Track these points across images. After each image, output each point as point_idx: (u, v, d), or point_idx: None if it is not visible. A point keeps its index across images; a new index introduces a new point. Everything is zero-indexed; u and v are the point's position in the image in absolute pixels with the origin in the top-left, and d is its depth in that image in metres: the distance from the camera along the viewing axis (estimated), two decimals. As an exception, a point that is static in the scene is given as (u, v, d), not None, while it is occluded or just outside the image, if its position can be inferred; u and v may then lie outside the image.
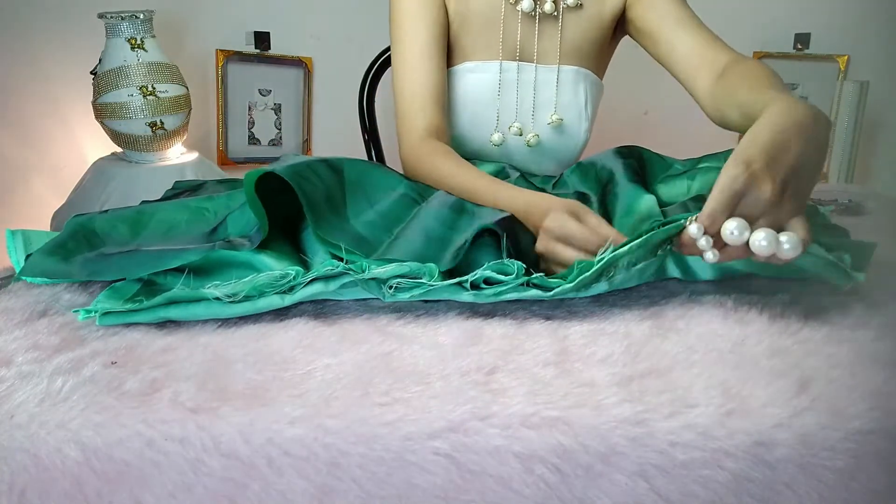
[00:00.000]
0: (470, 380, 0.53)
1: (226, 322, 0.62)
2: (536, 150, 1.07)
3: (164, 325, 0.62)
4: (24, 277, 0.70)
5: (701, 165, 0.94)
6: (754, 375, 0.53)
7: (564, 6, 1.03)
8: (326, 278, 0.63)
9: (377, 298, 0.67)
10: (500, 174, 0.93)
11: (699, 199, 0.84)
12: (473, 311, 0.64)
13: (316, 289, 0.62)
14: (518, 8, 1.02)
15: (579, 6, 1.03)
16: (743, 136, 0.63)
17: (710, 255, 0.60)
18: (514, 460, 0.47)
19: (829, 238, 0.71)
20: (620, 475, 0.47)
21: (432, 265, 0.63)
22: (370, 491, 0.48)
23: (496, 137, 1.05)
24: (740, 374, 0.54)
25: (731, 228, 0.58)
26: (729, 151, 0.94)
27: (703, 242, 0.60)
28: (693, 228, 0.59)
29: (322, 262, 0.64)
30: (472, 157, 1.08)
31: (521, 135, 1.05)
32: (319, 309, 0.65)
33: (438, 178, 0.88)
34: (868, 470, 0.48)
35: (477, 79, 1.04)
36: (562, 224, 0.68)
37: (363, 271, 0.62)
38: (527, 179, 0.96)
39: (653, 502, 0.48)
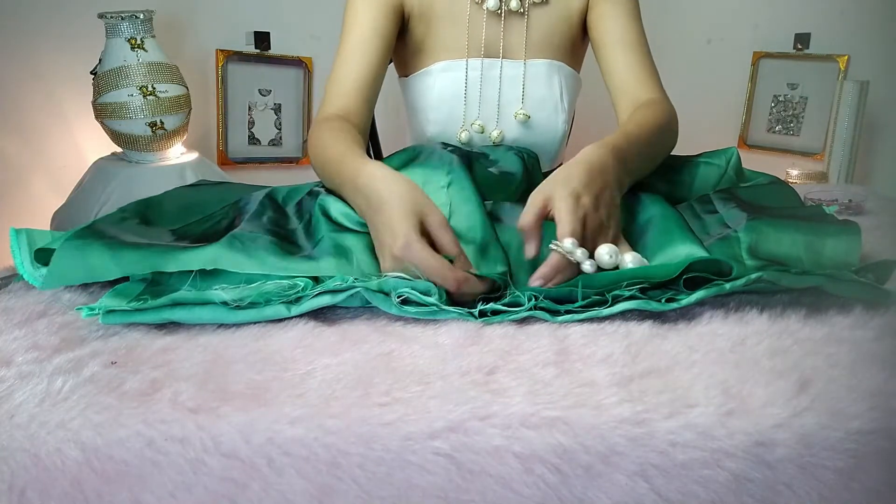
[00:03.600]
0: (470, 380, 0.53)
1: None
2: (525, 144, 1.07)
3: (164, 325, 0.62)
4: (24, 274, 0.70)
5: (700, 160, 0.94)
6: (754, 375, 0.53)
7: (531, 2, 1.03)
8: (334, 291, 0.63)
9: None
10: None
11: (704, 201, 0.84)
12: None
13: (323, 300, 0.63)
14: (484, 7, 1.03)
15: (545, 2, 1.04)
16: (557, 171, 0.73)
17: (588, 265, 0.66)
18: (514, 460, 0.47)
19: (842, 251, 0.72)
20: (620, 475, 0.47)
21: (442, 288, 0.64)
22: (370, 491, 0.48)
23: (464, 136, 1.06)
24: (740, 374, 0.54)
25: (605, 253, 0.66)
26: (726, 149, 0.95)
27: (580, 254, 0.65)
28: (568, 243, 0.65)
29: (331, 279, 0.65)
30: None
31: (482, 132, 1.06)
32: (319, 309, 0.65)
33: (318, 147, 0.88)
34: (868, 470, 0.48)
35: (447, 78, 1.05)
36: (416, 257, 0.63)
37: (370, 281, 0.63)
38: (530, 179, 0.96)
39: (653, 502, 0.47)
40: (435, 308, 0.62)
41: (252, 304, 0.62)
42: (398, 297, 0.62)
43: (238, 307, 0.61)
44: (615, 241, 0.70)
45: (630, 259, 0.67)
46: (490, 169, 0.87)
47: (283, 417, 0.48)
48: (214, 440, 0.48)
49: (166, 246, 0.69)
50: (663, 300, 0.63)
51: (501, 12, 1.03)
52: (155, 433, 0.48)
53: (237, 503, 0.48)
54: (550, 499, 0.47)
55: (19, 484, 0.47)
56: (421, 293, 0.62)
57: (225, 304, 0.61)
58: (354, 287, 0.62)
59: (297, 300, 0.63)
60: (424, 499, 0.48)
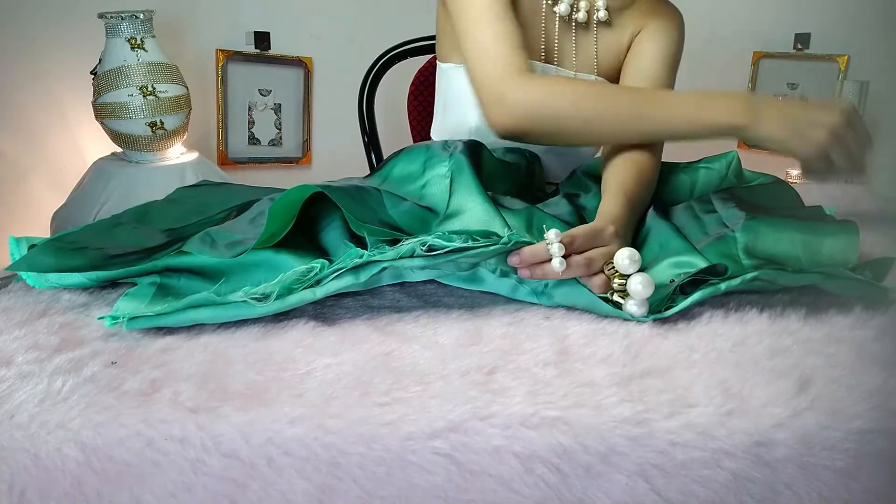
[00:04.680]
0: (470, 380, 0.53)
1: (226, 322, 0.62)
2: (556, 150, 1.06)
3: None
4: (23, 275, 0.70)
5: (700, 166, 0.94)
6: (754, 375, 0.53)
7: (596, 19, 1.02)
8: (356, 269, 0.61)
9: (378, 297, 0.67)
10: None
11: (703, 201, 0.84)
12: (473, 311, 0.64)
13: (346, 281, 0.61)
14: (555, 10, 1.01)
15: (608, 23, 1.02)
16: (603, 202, 0.75)
17: (557, 263, 0.62)
18: (514, 460, 0.47)
19: (840, 247, 0.72)
20: (620, 475, 0.47)
21: (463, 235, 0.62)
22: (370, 491, 0.48)
23: None
24: (740, 374, 0.54)
25: (625, 257, 0.64)
26: (727, 153, 0.95)
27: (556, 248, 0.62)
28: (551, 234, 0.63)
29: (346, 254, 0.62)
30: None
31: None
32: (319, 309, 0.65)
33: (566, 96, 0.80)
34: (868, 470, 0.48)
35: None
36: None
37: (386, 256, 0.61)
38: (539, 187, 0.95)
39: (653, 502, 0.47)
40: (458, 254, 0.61)
41: (277, 297, 0.60)
42: (423, 246, 0.60)
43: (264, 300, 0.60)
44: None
45: (639, 280, 0.62)
46: (497, 157, 0.87)
47: (283, 417, 0.48)
48: (214, 440, 0.48)
49: (144, 251, 0.70)
50: (662, 309, 0.63)
51: (571, 21, 1.01)
52: (155, 433, 0.48)
53: (237, 503, 0.48)
54: (550, 499, 0.47)
55: (19, 484, 0.47)
56: (445, 241, 0.61)
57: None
58: (373, 261, 0.60)
59: (318, 283, 0.61)
60: (424, 499, 0.48)
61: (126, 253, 0.69)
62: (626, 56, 1.05)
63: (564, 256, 0.63)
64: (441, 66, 1.09)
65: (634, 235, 0.78)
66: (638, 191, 0.81)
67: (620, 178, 0.82)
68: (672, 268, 0.69)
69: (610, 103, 0.81)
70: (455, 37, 0.98)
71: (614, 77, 1.06)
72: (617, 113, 0.81)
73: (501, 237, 0.63)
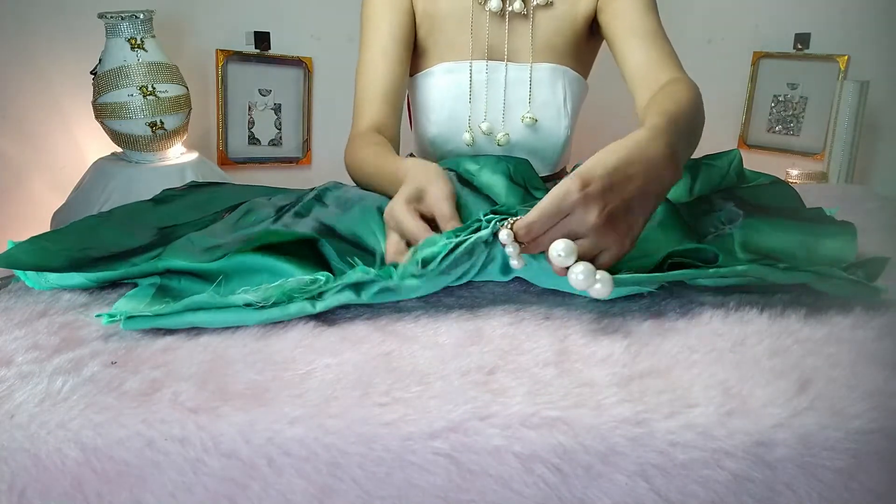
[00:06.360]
0: (470, 380, 0.53)
1: (226, 322, 0.62)
2: (513, 150, 1.06)
3: (164, 325, 0.62)
4: (22, 276, 0.70)
5: (702, 162, 0.94)
6: (754, 375, 0.53)
7: (535, 4, 1.02)
8: (357, 286, 0.62)
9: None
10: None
11: (704, 201, 0.84)
12: (473, 311, 0.64)
13: (346, 296, 0.61)
14: (486, 8, 1.02)
15: (550, 4, 1.02)
16: (595, 154, 0.61)
17: (516, 263, 0.60)
18: (514, 460, 0.47)
19: (836, 248, 0.71)
20: (620, 475, 0.47)
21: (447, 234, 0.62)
22: (370, 491, 0.48)
23: (466, 137, 1.05)
24: (740, 374, 0.54)
25: (559, 251, 0.57)
26: (729, 151, 0.94)
27: (511, 249, 0.59)
28: (503, 235, 0.59)
29: (352, 270, 0.63)
30: (449, 157, 1.07)
31: (490, 134, 1.05)
32: (319, 309, 0.65)
33: (360, 162, 0.91)
34: (868, 470, 0.48)
35: (450, 80, 1.04)
36: (395, 218, 0.67)
37: (390, 277, 0.61)
38: (526, 187, 0.95)
39: (653, 502, 0.48)
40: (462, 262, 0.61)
41: (275, 304, 0.60)
42: (417, 265, 0.61)
43: (262, 307, 0.60)
44: (613, 258, 0.60)
45: (598, 279, 0.57)
46: (472, 195, 0.82)
47: (283, 417, 0.48)
48: (214, 440, 0.48)
49: (128, 252, 0.70)
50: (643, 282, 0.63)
51: (505, 14, 1.02)
52: (155, 433, 0.48)
53: (237, 503, 0.48)
54: (550, 499, 0.47)
55: (19, 484, 0.47)
56: (433, 247, 0.61)
57: (248, 305, 0.60)
58: (377, 280, 0.61)
59: (320, 295, 0.61)
60: (424, 499, 0.48)
61: (110, 255, 0.69)
62: (587, 25, 1.04)
63: (528, 243, 0.59)
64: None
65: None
66: (673, 108, 0.74)
67: (652, 109, 0.75)
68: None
69: (371, 184, 0.88)
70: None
71: (569, 55, 1.05)
72: (375, 190, 0.87)
73: (482, 221, 0.62)
